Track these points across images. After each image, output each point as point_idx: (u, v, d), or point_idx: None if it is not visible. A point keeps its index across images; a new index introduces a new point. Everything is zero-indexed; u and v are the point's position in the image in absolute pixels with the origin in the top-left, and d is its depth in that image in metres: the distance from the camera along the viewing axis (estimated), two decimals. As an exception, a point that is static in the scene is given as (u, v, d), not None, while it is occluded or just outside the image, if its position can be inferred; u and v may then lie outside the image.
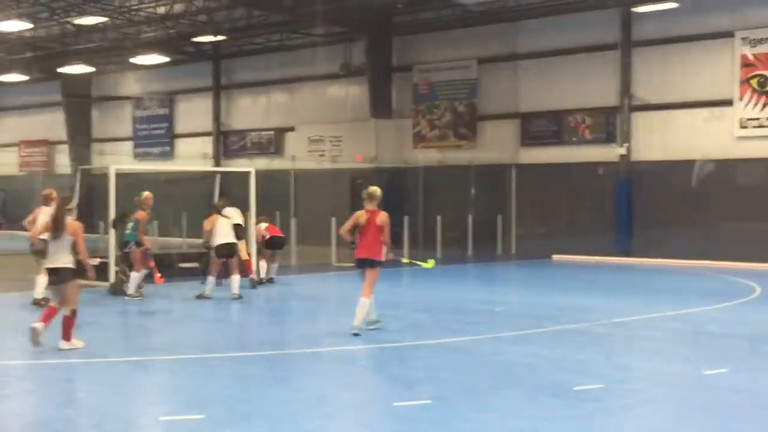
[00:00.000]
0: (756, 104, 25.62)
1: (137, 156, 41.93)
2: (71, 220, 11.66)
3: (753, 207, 25.63)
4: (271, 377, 10.05)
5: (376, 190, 12.99)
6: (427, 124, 32.63)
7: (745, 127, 25.85)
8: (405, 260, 16.87)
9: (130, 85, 42.51)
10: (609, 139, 28.44)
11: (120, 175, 19.58)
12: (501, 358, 11.28)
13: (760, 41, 25.54)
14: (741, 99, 25.87)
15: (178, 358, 11.26)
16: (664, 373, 10.34)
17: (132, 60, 36.41)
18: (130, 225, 16.94)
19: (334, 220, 25.35)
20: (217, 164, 37.64)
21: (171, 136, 41.13)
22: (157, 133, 41.58)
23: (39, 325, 11.37)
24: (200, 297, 16.63)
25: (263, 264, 19.65)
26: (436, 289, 18.23)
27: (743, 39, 25.84)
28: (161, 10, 31.60)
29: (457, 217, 29.35)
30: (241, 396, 9.00)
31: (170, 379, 10.20)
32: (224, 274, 17.42)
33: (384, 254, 12.89)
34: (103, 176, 19.96)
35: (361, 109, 33.31)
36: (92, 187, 24.39)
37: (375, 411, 8.49)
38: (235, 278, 16.92)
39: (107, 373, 10.46)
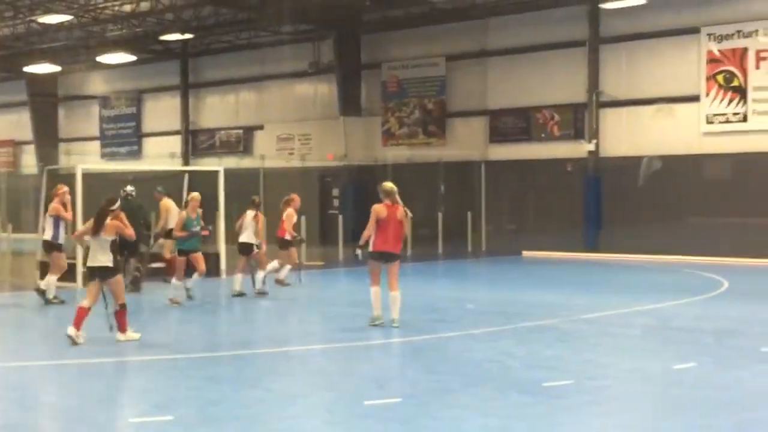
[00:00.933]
0: (722, 100, 25.84)
1: (105, 155, 41.62)
2: (110, 221, 12.05)
3: (720, 202, 25.85)
4: (242, 377, 10.01)
5: (392, 185, 13.16)
6: (396, 121, 32.65)
7: (711, 123, 26.07)
8: None
9: (97, 84, 42.20)
10: (577, 135, 28.59)
11: (87, 175, 19.44)
12: (471, 355, 11.29)
13: (726, 37, 25.76)
14: (707, 95, 26.08)
15: (147, 359, 11.20)
16: (633, 368, 10.40)
17: (98, 59, 36.13)
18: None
19: (303, 218, 25.29)
20: (186, 163, 37.45)
21: (139, 136, 40.87)
22: (124, 132, 41.30)
23: (72, 330, 11.77)
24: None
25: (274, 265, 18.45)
26: (407, 287, 18.20)
27: (709, 35, 26.06)
28: (127, 8, 31.36)
29: (427, 215, 29.37)
30: (211, 397, 8.95)
31: (140, 381, 10.13)
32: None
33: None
34: (70, 176, 19.81)
35: (330, 107, 33.27)
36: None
37: (345, 410, 8.48)
38: (260, 274, 17.33)
39: (76, 375, 10.37)
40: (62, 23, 32.26)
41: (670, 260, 24.94)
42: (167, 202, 19.05)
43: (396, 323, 12.84)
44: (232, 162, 33.94)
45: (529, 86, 29.44)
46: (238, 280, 17.15)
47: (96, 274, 11.96)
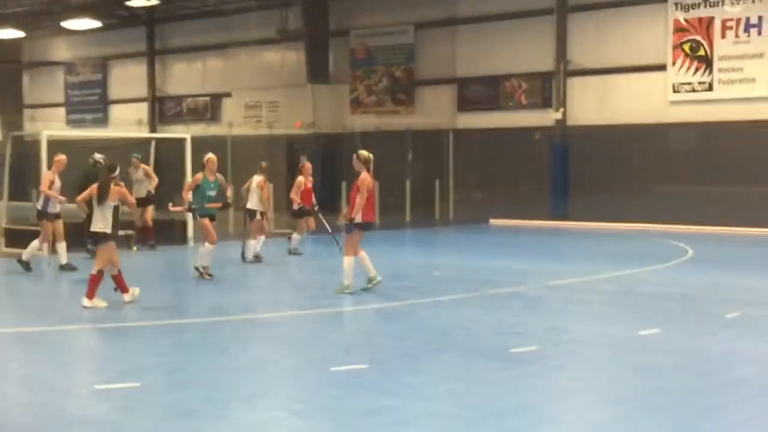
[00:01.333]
0: (688, 69, 25.97)
1: (70, 122, 41.21)
2: (113, 187, 12.28)
3: (686, 170, 26.04)
4: (209, 344, 9.99)
5: (369, 154, 13.30)
6: (365, 89, 32.55)
7: (678, 92, 26.21)
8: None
9: (62, 50, 41.70)
10: (545, 104, 28.65)
11: (52, 142, 19.23)
12: (438, 322, 11.35)
13: (693, 6, 25.85)
14: (674, 64, 26.20)
15: (113, 326, 11.15)
16: (598, 334, 10.50)
17: (63, 24, 35.64)
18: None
19: (271, 186, 25.17)
20: (153, 131, 37.15)
21: (105, 103, 40.48)
22: (90, 99, 40.89)
23: (86, 301, 11.93)
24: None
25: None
26: (375, 255, 18.22)
27: (676, 4, 26.13)
28: (92, -27, 30.99)
29: (395, 183, 29.36)
30: (178, 363, 8.94)
31: (106, 348, 10.10)
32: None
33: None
34: (35, 143, 19.60)
35: (297, 74, 33.07)
36: (24, 155, 23.90)
37: (312, 376, 8.50)
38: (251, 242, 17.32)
39: (41, 342, 10.31)
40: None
41: (637, 228, 25.13)
42: (147, 168, 19.43)
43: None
44: (200, 129, 33.70)
45: (497, 55, 29.42)
46: (251, 247, 17.28)
47: (95, 237, 12.41)
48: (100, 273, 12.02)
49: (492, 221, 28.03)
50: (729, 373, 8.67)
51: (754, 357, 9.32)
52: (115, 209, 12.28)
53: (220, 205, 15.42)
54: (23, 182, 27.10)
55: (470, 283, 14.58)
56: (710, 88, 25.65)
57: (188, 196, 15.05)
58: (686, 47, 26.00)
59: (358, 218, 13.11)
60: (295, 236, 18.79)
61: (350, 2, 32.55)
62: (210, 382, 8.16)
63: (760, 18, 24.84)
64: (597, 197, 26.94)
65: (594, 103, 27.82)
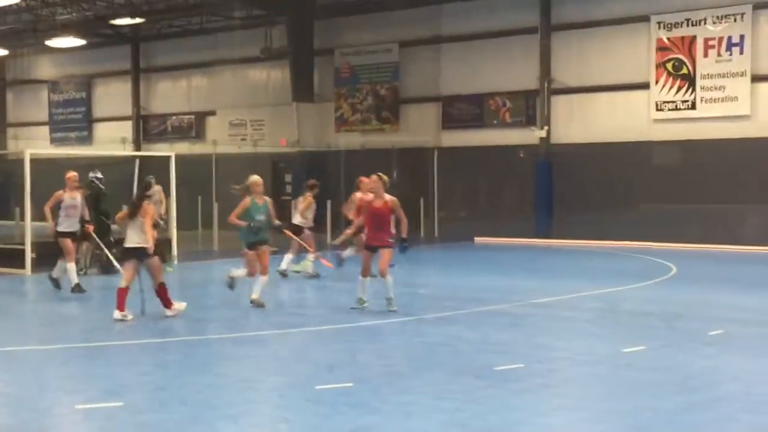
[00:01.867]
0: (671, 87, 26.12)
1: (54, 141, 41.05)
2: (147, 204, 12.70)
3: (669, 188, 26.15)
4: (192, 363, 9.94)
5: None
6: (349, 107, 32.59)
7: (661, 110, 26.34)
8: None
9: (46, 69, 41.57)
10: (529, 122, 28.74)
11: (36, 161, 19.17)
12: (424, 339, 11.32)
13: (675, 25, 26.03)
14: (657, 82, 26.35)
15: (96, 345, 11.08)
16: (583, 352, 10.49)
17: (48, 43, 35.57)
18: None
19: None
20: (138, 149, 37.04)
21: (89, 121, 40.35)
22: (74, 117, 40.75)
23: (117, 314, 12.37)
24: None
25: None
26: (359, 273, 18.19)
27: (659, 23, 26.31)
28: (77, -9, 30.96)
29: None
30: (160, 382, 8.89)
31: (88, 367, 10.02)
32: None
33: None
34: (18, 162, 19.52)
35: (282, 92, 33.08)
36: (7, 173, 23.83)
37: (296, 395, 8.46)
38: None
39: (24, 361, 10.23)
40: (10, 6, 31.70)
41: (621, 246, 25.19)
42: (160, 190, 19.25)
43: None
44: (184, 148, 33.65)
45: (481, 73, 29.53)
46: (308, 263, 17.59)
47: (132, 254, 12.62)
48: (163, 285, 12.71)
49: (477, 239, 28.04)
50: (713, 390, 8.68)
51: (738, 374, 9.33)
52: (144, 224, 12.60)
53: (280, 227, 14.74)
54: (7, 201, 26.99)
55: (456, 301, 14.57)
56: (693, 106, 25.80)
57: (236, 220, 13.89)
58: (669, 66, 26.16)
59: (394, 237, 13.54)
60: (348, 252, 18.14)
61: (335, 21, 32.62)
62: (194, 401, 8.11)
63: (741, 37, 25.03)
64: (581, 215, 27.01)
65: (578, 121, 27.93)
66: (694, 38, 25.74)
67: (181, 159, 21.90)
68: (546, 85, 28.15)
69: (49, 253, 16.28)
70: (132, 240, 12.59)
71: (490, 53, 29.37)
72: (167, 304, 12.79)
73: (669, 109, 26.20)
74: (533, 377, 9.17)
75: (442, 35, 30.46)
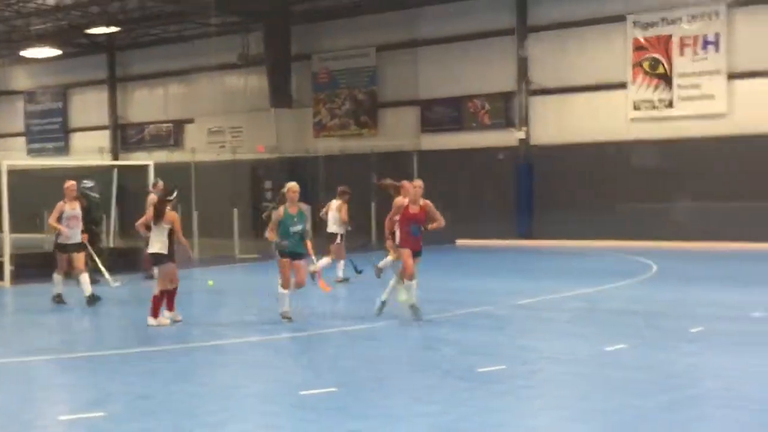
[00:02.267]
0: (648, 86, 26.25)
1: (31, 152, 40.85)
2: (169, 211, 12.86)
3: (648, 187, 26.26)
4: (175, 372, 9.90)
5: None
6: (328, 112, 32.58)
7: (638, 109, 26.48)
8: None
9: (22, 79, 41.37)
10: (508, 123, 28.81)
11: (12, 172, 19.03)
12: (407, 343, 11.32)
13: (651, 25, 26.17)
14: (634, 82, 26.48)
15: (78, 356, 11.01)
16: (566, 351, 10.52)
17: (23, 53, 35.39)
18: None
19: (236, 211, 25.16)
20: (115, 158, 36.92)
21: (66, 131, 40.19)
22: (50, 128, 40.58)
23: (151, 320, 12.72)
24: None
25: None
26: (334, 278, 18.21)
27: (634, 23, 26.45)
28: (51, 1, 30.77)
29: (360, 205, 29.34)
30: (143, 392, 8.84)
31: (70, 378, 9.96)
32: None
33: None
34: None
35: (260, 98, 33.03)
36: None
37: (280, 401, 8.43)
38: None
39: (6, 373, 10.16)
40: (-16, 17, 31.57)
41: (602, 245, 25.28)
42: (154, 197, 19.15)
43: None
44: (162, 156, 33.52)
45: (459, 76, 29.58)
46: (340, 267, 17.77)
47: (154, 258, 13.00)
48: (162, 294, 12.78)
49: (459, 242, 28.06)
50: (695, 387, 8.72)
51: (719, 371, 9.38)
52: (170, 232, 12.78)
53: (305, 243, 13.46)
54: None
55: (438, 304, 14.56)
56: (670, 105, 25.94)
57: (273, 236, 12.93)
58: (645, 65, 26.30)
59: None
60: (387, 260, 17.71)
61: (311, 26, 32.60)
62: (177, 410, 8.07)
63: (717, 35, 25.19)
64: (561, 215, 27.09)
65: (556, 122, 28.03)
66: (669, 37, 25.89)
67: (159, 168, 21.79)
68: (524, 87, 28.23)
69: (27, 264, 16.15)
70: (154, 246, 12.85)
71: (467, 56, 29.43)
72: (154, 312, 12.79)
73: (646, 108, 26.34)
74: (516, 378, 9.19)
75: (419, 39, 30.51)
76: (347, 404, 8.16)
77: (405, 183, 16.27)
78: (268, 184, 32.74)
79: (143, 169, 21.48)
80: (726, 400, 8.14)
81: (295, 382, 9.16)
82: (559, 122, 27.98)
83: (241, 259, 23.60)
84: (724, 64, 25.10)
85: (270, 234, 12.96)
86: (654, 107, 26.21)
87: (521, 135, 28.30)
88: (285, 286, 12.89)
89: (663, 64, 25.99)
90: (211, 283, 17.55)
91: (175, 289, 12.99)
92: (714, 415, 7.73)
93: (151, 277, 17.79)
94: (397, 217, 13.61)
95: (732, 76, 25.05)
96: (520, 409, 8.07)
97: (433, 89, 30.28)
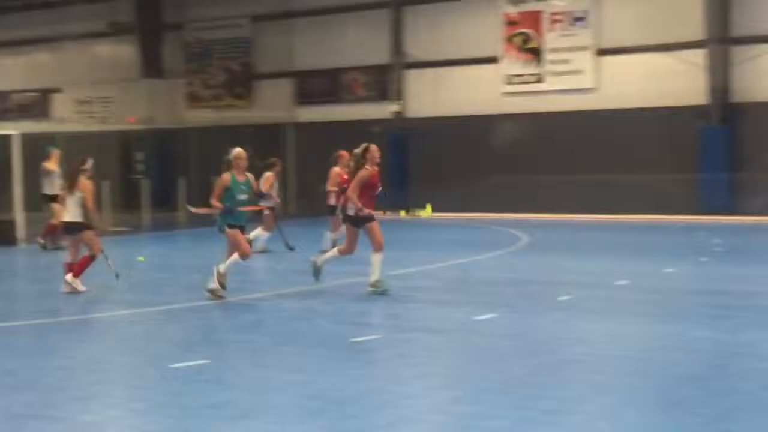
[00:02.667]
0: (519, 61, 26.73)
1: None
2: (84, 180, 12.89)
3: (520, 160, 26.80)
4: (41, 346, 9.64)
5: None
6: (201, 83, 32.08)
7: (510, 83, 26.95)
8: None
9: None
10: (383, 96, 28.94)
11: None
12: (280, 314, 11.30)
13: (522, 0, 26.62)
14: (506, 56, 26.92)
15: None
16: (438, 320, 10.68)
17: None
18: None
19: (108, 183, 24.54)
20: (-22, 128, 35.53)
21: (-75, 99, 38.46)
22: None
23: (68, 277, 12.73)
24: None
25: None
26: (209, 251, 18.01)
27: (507, -2, 26.89)
28: None
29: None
30: (8, 366, 8.57)
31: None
32: None
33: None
34: None
35: (131, 68, 32.31)
36: None
37: (151, 374, 8.30)
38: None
39: None
40: None
41: (475, 217, 25.71)
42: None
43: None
44: (29, 126, 32.41)
45: (335, 47, 29.52)
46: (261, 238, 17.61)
47: (70, 229, 13.00)
48: (93, 258, 12.90)
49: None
50: (562, 353, 8.96)
51: (585, 336, 9.67)
52: (83, 199, 12.83)
53: (256, 208, 13.37)
54: None
55: (311, 276, 14.54)
56: (541, 79, 26.50)
57: (217, 203, 12.17)
58: (517, 40, 26.77)
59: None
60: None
61: (184, -5, 32.00)
62: (43, 385, 7.86)
63: (585, 12, 25.82)
64: (435, 188, 27.42)
65: (431, 95, 28.30)
66: (540, 13, 26.40)
67: (25, 138, 21.10)
68: (399, 60, 28.37)
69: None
70: (68, 215, 12.89)
71: (343, 27, 29.40)
72: (76, 272, 12.78)
73: (518, 83, 26.83)
74: (389, 347, 9.28)
75: (295, 10, 30.30)
76: (220, 376, 8.10)
77: (343, 152, 16.49)
78: (139, 156, 32.11)
79: (7, 138, 20.76)
80: (590, 365, 8.40)
81: (166, 355, 9.03)
82: (434, 95, 28.26)
83: (113, 232, 23.07)
84: (591, 40, 25.75)
85: (215, 202, 12.13)
86: (525, 82, 26.72)
87: (396, 108, 28.46)
88: (245, 254, 12.20)
89: (534, 39, 26.50)
90: (141, 258, 16.97)
91: (92, 257, 12.94)
92: (580, 378, 7.97)
93: (55, 248, 17.59)
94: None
95: (600, 52, 25.74)
96: (391, 377, 8.15)
97: (308, 61, 30.15)
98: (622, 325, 10.29)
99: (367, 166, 12.52)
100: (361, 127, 29.06)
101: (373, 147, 12.62)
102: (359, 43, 29.20)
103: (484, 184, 27.03)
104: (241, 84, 31.51)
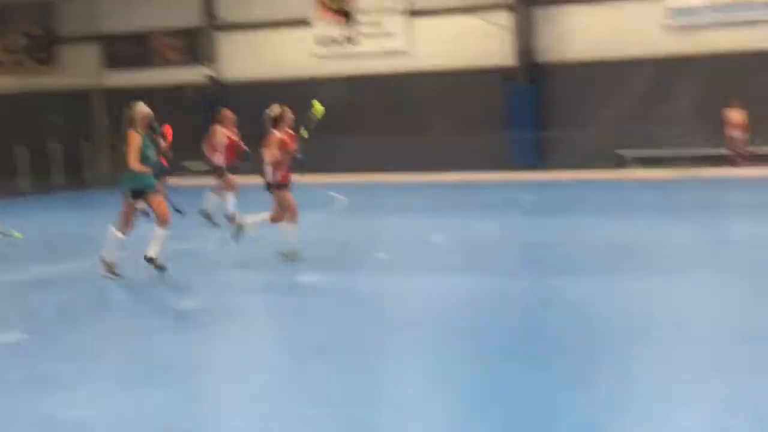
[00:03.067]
0: (332, 23, 26.82)
1: None
2: None
3: (334, 123, 26.90)
4: None
5: None
6: (2, 48, 30.57)
7: (324, 45, 27.02)
8: None
9: None
10: (196, 60, 28.45)
11: None
12: (99, 284, 11.01)
13: (335, -37, 26.69)
14: (319, 18, 26.94)
15: None
16: (261, 282, 10.77)
17: None
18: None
19: None
20: None
21: None
22: None
23: None
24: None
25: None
26: (28, 222, 17.37)
27: (317, -40, 26.87)
28: None
29: (40, 146, 27.91)
30: None
31: None
32: None
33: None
34: None
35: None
36: None
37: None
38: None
39: None
40: None
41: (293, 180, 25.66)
42: None
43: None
44: None
45: (142, 9, 28.72)
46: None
47: None
48: None
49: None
50: (379, 311, 9.21)
51: (401, 294, 9.96)
52: None
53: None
54: None
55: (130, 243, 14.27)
56: (353, 41, 26.68)
57: (140, 167, 11.20)
58: (329, 2, 26.81)
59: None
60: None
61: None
62: None
63: (395, -26, 26.13)
64: (252, 151, 27.20)
65: (246, 59, 28.01)
66: (351, -26, 26.54)
67: None
68: (210, 22, 27.94)
69: None
70: None
71: (150, -10, 28.64)
72: None
73: (331, 45, 26.93)
74: (212, 312, 9.27)
75: (98, -29, 29.28)
76: (39, 349, 7.91)
77: (226, 111, 16.62)
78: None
79: None
80: (408, 323, 8.68)
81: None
82: (249, 59, 27.99)
83: None
84: (402, 2, 26.11)
85: (136, 164, 11.10)
86: (338, 44, 26.86)
87: (209, 72, 28.06)
88: (165, 223, 11.03)
89: (345, 1, 26.64)
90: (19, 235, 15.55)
91: None
92: (398, 334, 8.22)
93: None
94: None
95: (412, 13, 26.13)
96: (214, 341, 8.16)
97: (115, 24, 29.22)
98: (431, 281, 10.61)
99: (281, 130, 12.52)
100: (174, 93, 28.54)
101: (288, 110, 12.81)
102: (167, 4, 28.52)
103: (300, 146, 26.99)
104: (43, 49, 30.23)
